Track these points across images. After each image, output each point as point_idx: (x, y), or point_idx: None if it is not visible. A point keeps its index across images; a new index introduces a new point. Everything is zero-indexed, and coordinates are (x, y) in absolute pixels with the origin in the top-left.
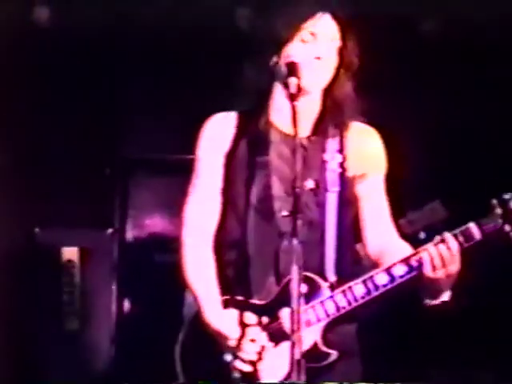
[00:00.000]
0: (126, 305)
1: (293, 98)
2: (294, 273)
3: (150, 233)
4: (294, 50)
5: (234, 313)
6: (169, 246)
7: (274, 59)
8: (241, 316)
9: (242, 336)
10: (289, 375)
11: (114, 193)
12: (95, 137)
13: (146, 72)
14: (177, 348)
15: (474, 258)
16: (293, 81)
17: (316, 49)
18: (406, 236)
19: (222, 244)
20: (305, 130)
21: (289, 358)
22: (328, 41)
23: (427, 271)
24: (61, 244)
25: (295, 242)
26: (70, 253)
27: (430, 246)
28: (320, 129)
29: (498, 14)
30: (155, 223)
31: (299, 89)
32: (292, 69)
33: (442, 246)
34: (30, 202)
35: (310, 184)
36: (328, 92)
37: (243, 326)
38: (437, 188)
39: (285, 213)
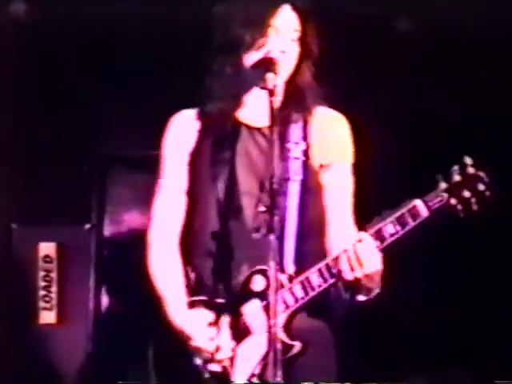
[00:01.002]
0: (104, 301)
1: (271, 93)
2: (272, 269)
3: (127, 228)
4: (261, 46)
5: (198, 313)
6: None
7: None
8: (203, 316)
9: (207, 336)
10: (263, 371)
11: (92, 189)
12: (72, 133)
13: (123, 68)
14: (150, 349)
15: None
16: (270, 76)
17: (279, 43)
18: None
19: (189, 243)
20: (266, 120)
21: (263, 355)
22: (290, 33)
23: (345, 272)
24: (38, 240)
25: (272, 237)
26: (48, 248)
27: (348, 247)
28: (282, 117)
29: (471, 14)
30: (133, 219)
31: (275, 84)
32: (269, 64)
33: (359, 245)
34: (6, 198)
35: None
36: (289, 81)
37: (207, 325)
38: (401, 176)
39: (262, 208)
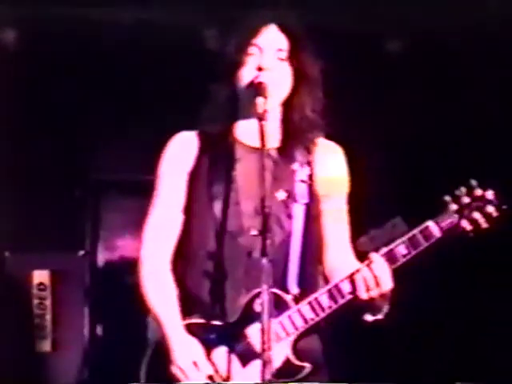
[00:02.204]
0: (99, 328)
1: (261, 117)
2: (264, 292)
3: (121, 255)
4: (243, 65)
5: (191, 347)
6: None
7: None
8: (196, 351)
9: (200, 374)
10: None
11: (85, 215)
12: (65, 158)
13: (117, 93)
14: (142, 373)
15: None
16: (260, 101)
17: (262, 61)
18: (365, 254)
19: (185, 263)
20: (272, 141)
21: (260, 379)
22: (273, 51)
23: (360, 292)
24: (32, 267)
25: (264, 261)
26: (42, 276)
27: (362, 268)
28: (287, 142)
29: (459, 29)
30: (127, 245)
31: (265, 108)
32: (259, 89)
33: (373, 265)
34: None
35: (281, 195)
36: (288, 106)
37: (206, 351)
38: (396, 202)
39: (254, 232)
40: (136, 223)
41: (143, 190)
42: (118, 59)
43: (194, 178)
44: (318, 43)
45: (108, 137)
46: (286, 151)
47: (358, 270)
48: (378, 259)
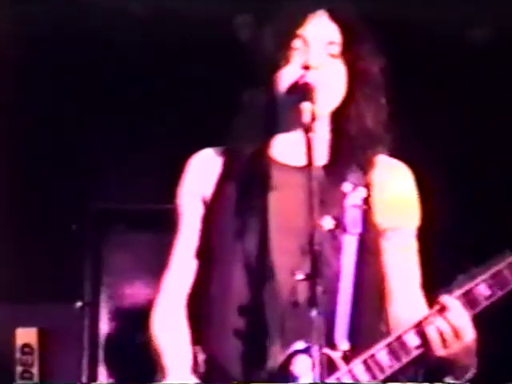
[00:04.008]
0: None
1: (308, 128)
2: (314, 352)
3: (130, 306)
4: (286, 64)
5: None
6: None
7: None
8: None
9: None
10: None
11: (84, 254)
12: (59, 184)
13: (123, 99)
14: None
15: None
16: (306, 107)
17: (308, 57)
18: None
19: (203, 316)
20: (318, 158)
21: None
22: (323, 45)
23: (435, 347)
24: (15, 324)
25: (314, 313)
26: (27, 335)
27: (436, 318)
28: (337, 159)
29: None
30: (137, 294)
31: (313, 116)
32: (305, 92)
33: (449, 313)
34: None
35: (327, 223)
36: (342, 114)
37: None
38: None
39: (300, 276)
40: (148, 265)
41: (156, 223)
42: (125, 60)
43: (216, 206)
44: (379, 35)
45: (112, 156)
46: (334, 169)
47: (426, 318)
48: (453, 304)
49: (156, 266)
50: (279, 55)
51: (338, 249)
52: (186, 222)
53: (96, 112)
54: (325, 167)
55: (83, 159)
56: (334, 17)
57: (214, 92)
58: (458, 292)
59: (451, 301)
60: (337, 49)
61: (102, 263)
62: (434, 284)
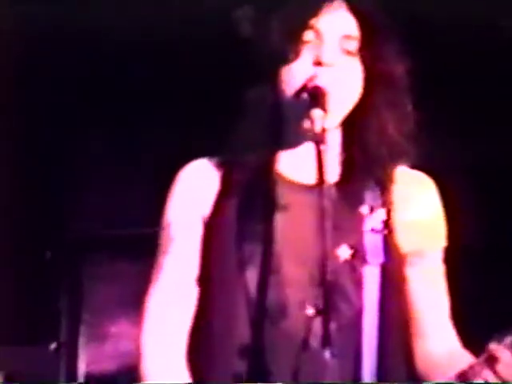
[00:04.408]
0: None
1: (319, 138)
2: None
3: (113, 348)
4: (295, 58)
5: None
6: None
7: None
8: None
9: None
10: None
11: (59, 287)
12: (31, 206)
13: (103, 105)
14: None
15: None
16: (317, 114)
17: (321, 52)
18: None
19: (201, 357)
20: (330, 175)
21: None
22: (338, 39)
23: None
24: None
25: (327, 354)
26: None
27: (484, 369)
28: (351, 175)
29: None
30: (121, 333)
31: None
32: (316, 95)
33: (499, 365)
34: None
35: (344, 252)
36: (356, 122)
37: None
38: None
39: (310, 311)
40: (134, 299)
41: (144, 250)
42: (107, 62)
43: (214, 231)
44: (404, 31)
45: (91, 170)
46: (348, 188)
47: (472, 367)
48: (504, 354)
49: (140, 301)
50: (287, 48)
51: (356, 281)
52: (180, 244)
53: (76, 124)
54: (337, 185)
55: (59, 176)
56: (353, 8)
57: (209, 93)
58: (509, 340)
59: (502, 351)
60: (354, 45)
61: (81, 297)
62: (465, 314)
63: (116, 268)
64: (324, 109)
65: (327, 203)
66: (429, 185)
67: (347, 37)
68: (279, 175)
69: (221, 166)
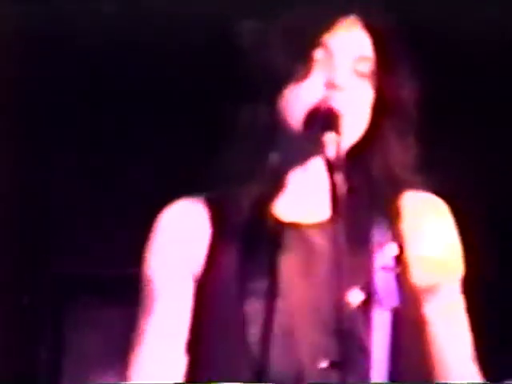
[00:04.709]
0: None
1: (332, 166)
2: None
3: None
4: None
5: None
6: None
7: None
8: None
9: None
10: None
11: (38, 334)
12: (8, 247)
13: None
14: None
15: None
16: (331, 138)
17: (331, 74)
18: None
19: None
20: (330, 210)
21: None
22: (351, 60)
23: None
24: None
25: None
26: None
27: None
28: (357, 211)
29: None
30: None
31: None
32: (329, 119)
33: None
34: None
35: (355, 297)
36: (361, 151)
37: None
38: None
39: (323, 364)
40: (122, 348)
41: (133, 293)
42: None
43: (209, 287)
44: (417, 54)
45: (73, 201)
46: (354, 223)
47: None
48: None
49: (129, 349)
50: (293, 66)
51: (371, 327)
52: (166, 305)
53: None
54: (342, 221)
55: (36, 207)
56: (369, 25)
57: (198, 114)
58: None
59: None
60: (368, 67)
61: (63, 346)
62: (488, 354)
63: (100, 313)
64: (338, 133)
65: (341, 242)
66: (442, 209)
67: (362, 58)
68: (279, 215)
69: (210, 205)
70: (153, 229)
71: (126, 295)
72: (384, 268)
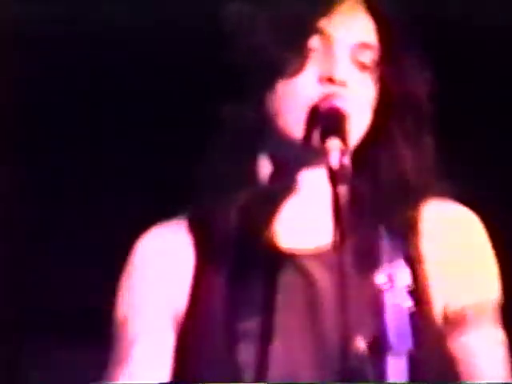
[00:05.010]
0: None
1: (335, 178)
2: None
3: None
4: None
5: None
6: None
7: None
8: None
9: None
10: None
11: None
12: None
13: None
14: None
15: None
16: (334, 145)
17: (330, 65)
18: None
19: None
20: (332, 231)
21: None
22: (353, 49)
23: None
24: None
25: None
26: None
27: None
28: (360, 229)
29: None
30: None
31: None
32: (333, 120)
33: None
34: None
35: (359, 343)
36: (363, 153)
37: None
38: None
39: None
40: None
41: (107, 332)
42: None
43: (195, 328)
44: (430, 45)
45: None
46: (361, 248)
47: None
48: None
49: None
50: (285, 57)
51: (382, 373)
52: (144, 350)
53: None
54: (346, 248)
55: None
56: (372, 8)
57: (183, 111)
58: None
59: None
60: (370, 56)
61: None
62: None
63: (67, 357)
64: (343, 138)
65: (345, 275)
66: (472, 222)
67: (364, 45)
68: (274, 237)
69: (192, 228)
70: (127, 261)
71: (99, 336)
72: (395, 307)
